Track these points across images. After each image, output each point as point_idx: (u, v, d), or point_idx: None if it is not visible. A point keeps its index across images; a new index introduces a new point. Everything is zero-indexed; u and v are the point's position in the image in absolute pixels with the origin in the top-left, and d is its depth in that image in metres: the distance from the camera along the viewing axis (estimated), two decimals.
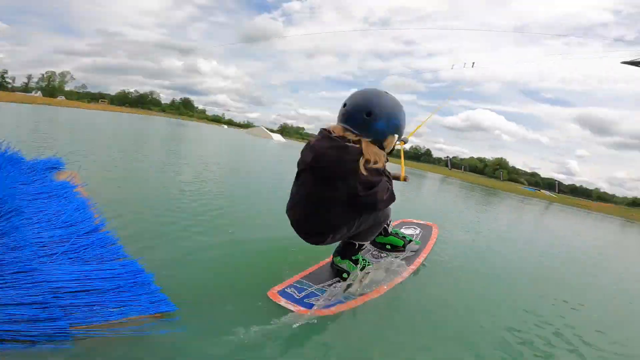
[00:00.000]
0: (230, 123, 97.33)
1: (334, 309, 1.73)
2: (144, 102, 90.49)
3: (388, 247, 2.54)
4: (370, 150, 1.66)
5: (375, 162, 1.65)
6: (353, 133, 1.69)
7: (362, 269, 2.02)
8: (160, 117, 56.04)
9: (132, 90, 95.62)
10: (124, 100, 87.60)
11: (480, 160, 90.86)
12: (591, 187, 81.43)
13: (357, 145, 1.65)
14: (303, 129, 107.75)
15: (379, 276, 2.07)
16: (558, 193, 67.31)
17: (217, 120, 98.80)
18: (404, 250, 2.56)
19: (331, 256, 2.16)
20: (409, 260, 2.46)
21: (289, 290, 1.87)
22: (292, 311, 1.68)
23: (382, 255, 2.49)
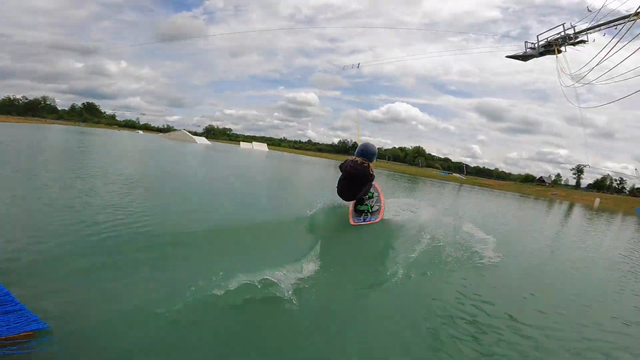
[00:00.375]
0: (146, 128, 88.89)
1: (377, 220, 5.11)
2: (35, 110, 77.36)
3: (368, 196, 5.67)
4: (372, 166, 5.26)
5: (372, 169, 5.28)
6: (366, 161, 5.20)
7: (371, 207, 5.47)
8: (58, 125, 48.82)
9: (19, 96, 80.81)
10: (10, 108, 73.71)
11: (402, 149, 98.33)
12: (492, 168, 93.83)
13: (367, 164, 5.19)
14: (230, 130, 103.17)
15: (376, 207, 5.54)
16: (466, 175, 76.61)
17: (130, 125, 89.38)
18: (372, 197, 5.80)
19: (351, 204, 5.51)
20: (379, 199, 5.78)
21: (355, 220, 5.09)
22: (367, 224, 5.04)
23: (367, 200, 5.64)
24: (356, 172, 5.00)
